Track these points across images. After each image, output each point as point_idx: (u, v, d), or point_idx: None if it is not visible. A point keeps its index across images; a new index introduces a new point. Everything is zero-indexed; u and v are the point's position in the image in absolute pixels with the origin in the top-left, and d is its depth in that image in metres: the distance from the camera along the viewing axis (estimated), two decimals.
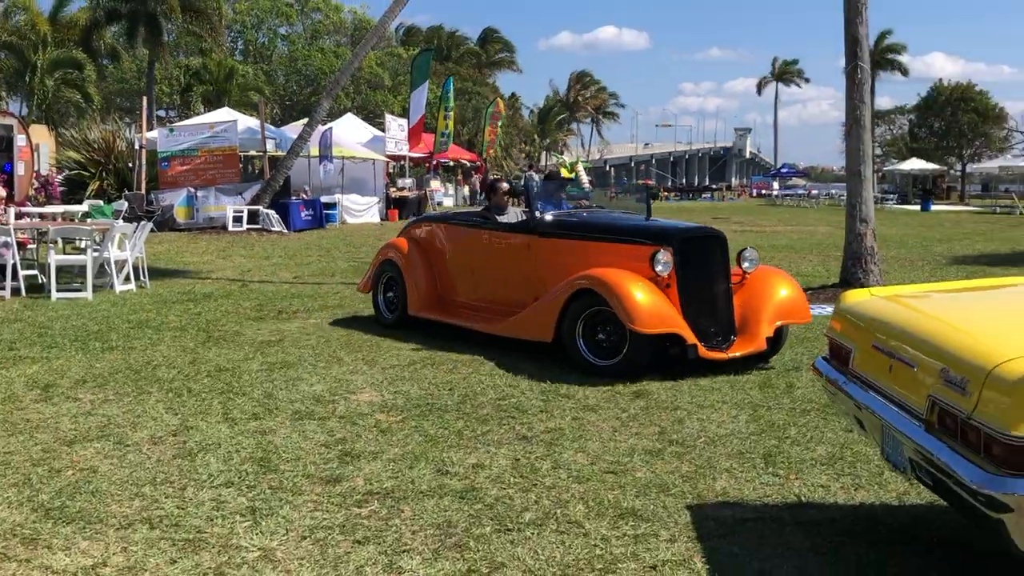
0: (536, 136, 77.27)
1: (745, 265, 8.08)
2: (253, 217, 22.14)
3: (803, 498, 4.76)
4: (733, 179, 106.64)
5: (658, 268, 7.46)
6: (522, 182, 35.72)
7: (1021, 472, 2.67)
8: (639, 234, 8.04)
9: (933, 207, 44.73)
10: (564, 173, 54.25)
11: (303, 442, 5.58)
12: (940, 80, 70.08)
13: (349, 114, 35.73)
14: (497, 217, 9.16)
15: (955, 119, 64.49)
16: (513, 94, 71.43)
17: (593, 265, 7.74)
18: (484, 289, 9.09)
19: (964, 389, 2.94)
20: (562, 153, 71.63)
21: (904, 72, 79.33)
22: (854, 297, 4.34)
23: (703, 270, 7.80)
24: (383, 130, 32.52)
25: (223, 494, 4.71)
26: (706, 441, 5.68)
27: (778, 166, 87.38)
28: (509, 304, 8.56)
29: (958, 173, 66.66)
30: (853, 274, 12.47)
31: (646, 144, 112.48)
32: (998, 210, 42.47)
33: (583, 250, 8.07)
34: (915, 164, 59.08)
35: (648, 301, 7.27)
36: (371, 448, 5.48)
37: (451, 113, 38.01)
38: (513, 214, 9.26)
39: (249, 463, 5.19)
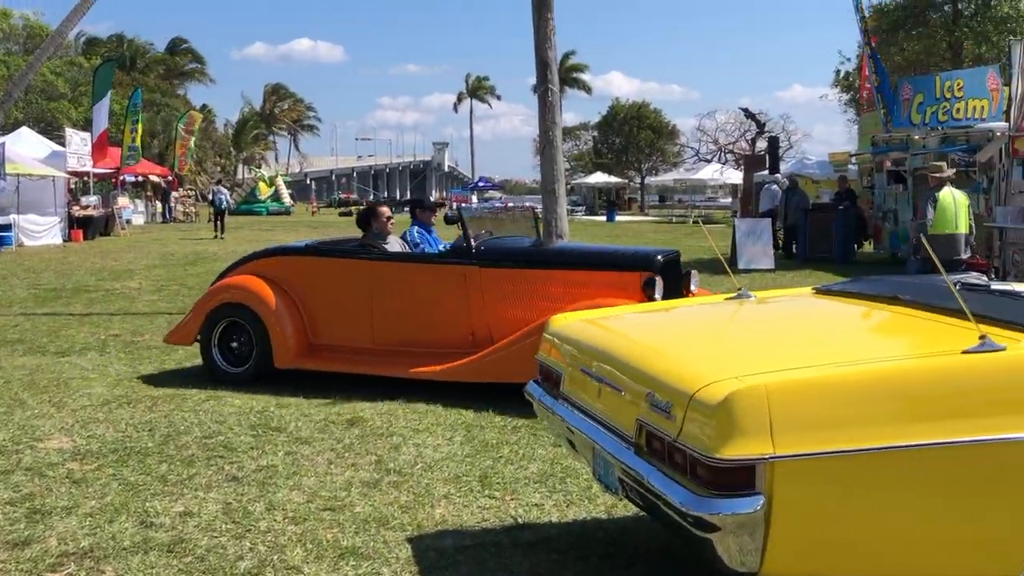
0: (232, 149, 75.10)
1: (692, 287, 8.05)
2: None
3: (519, 519, 4.86)
4: (434, 192, 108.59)
5: (655, 296, 7.23)
6: (210, 196, 34.53)
7: (726, 493, 2.83)
8: (621, 260, 7.89)
9: (617, 217, 47.76)
10: (263, 187, 53.18)
11: None
12: (617, 99, 75.19)
13: (24, 128, 32.94)
14: (384, 246, 8.31)
15: (633, 135, 69.32)
16: (205, 106, 68.93)
17: (564, 296, 7.38)
18: (390, 330, 7.99)
19: (669, 413, 3.07)
20: (260, 167, 70.08)
21: (588, 90, 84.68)
22: (561, 321, 4.48)
23: (674, 293, 7.63)
24: (63, 144, 30.36)
25: None
26: (423, 467, 5.68)
27: (475, 179, 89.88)
28: (432, 345, 7.79)
29: (638, 185, 71.60)
30: None
31: (359, 157, 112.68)
32: (674, 219, 45.95)
33: (549, 280, 7.66)
34: (600, 178, 63.27)
35: None
36: (64, 502, 5.01)
37: (139, 126, 36.18)
38: (395, 242, 8.46)
39: None
